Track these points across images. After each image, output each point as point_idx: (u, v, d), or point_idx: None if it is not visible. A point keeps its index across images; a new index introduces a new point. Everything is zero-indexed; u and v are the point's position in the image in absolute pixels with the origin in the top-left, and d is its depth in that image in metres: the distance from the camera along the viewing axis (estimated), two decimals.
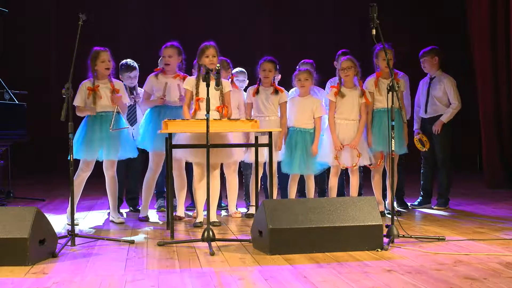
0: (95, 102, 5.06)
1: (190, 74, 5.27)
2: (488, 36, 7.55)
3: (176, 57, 5.34)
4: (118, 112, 5.09)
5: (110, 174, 5.20)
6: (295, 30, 10.42)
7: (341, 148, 5.35)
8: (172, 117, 5.10)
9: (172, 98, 5.29)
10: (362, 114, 5.43)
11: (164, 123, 4.59)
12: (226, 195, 5.72)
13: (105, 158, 5.11)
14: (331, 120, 5.42)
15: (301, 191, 5.77)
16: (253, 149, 5.20)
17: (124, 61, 5.89)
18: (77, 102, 5.08)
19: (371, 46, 5.35)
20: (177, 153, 5.04)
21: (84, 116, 5.13)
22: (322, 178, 5.97)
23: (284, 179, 5.84)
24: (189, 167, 5.51)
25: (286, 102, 5.46)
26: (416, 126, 6.02)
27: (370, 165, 5.53)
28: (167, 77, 5.34)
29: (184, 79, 5.27)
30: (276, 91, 5.44)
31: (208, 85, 4.17)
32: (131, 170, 5.95)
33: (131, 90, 5.86)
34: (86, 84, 5.11)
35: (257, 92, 5.45)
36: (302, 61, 6.02)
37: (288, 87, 5.86)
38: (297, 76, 5.45)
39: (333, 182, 5.51)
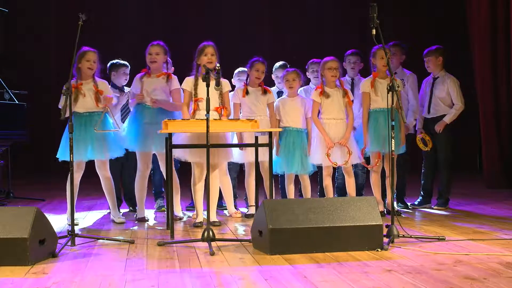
0: (77, 99, 5.02)
1: (184, 75, 5.26)
2: (488, 36, 7.56)
3: (162, 55, 5.34)
4: (106, 113, 5.08)
5: (103, 174, 5.19)
6: (295, 30, 10.42)
7: (332, 146, 5.35)
8: (154, 118, 5.13)
9: (155, 98, 5.26)
10: (349, 113, 5.44)
11: (164, 123, 4.59)
12: None
13: (93, 158, 5.09)
14: (317, 120, 5.42)
15: (301, 191, 5.76)
16: (247, 149, 5.22)
17: (114, 61, 5.91)
18: (62, 104, 5.04)
19: (371, 46, 5.35)
20: (176, 153, 5.04)
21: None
22: (322, 178, 5.96)
23: (284, 179, 5.85)
24: (187, 167, 5.50)
25: (273, 102, 5.49)
26: (418, 126, 6.02)
27: (368, 165, 5.54)
28: (151, 78, 5.32)
29: (168, 77, 5.30)
30: (264, 92, 5.46)
31: (208, 85, 4.17)
32: (127, 170, 5.95)
33: (120, 89, 5.87)
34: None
35: (246, 92, 5.45)
36: (311, 60, 6.03)
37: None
38: (285, 77, 5.47)
39: (327, 182, 5.51)
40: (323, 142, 5.40)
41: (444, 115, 5.88)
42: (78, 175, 5.10)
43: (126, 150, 5.37)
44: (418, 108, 5.93)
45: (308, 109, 5.48)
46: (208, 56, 5.00)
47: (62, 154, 5.02)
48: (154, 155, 5.44)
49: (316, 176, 5.92)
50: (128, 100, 5.80)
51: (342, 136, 5.38)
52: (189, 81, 5.10)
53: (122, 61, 5.94)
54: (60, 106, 5.03)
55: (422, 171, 6.10)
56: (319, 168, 5.62)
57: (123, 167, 5.92)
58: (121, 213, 5.61)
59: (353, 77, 6.05)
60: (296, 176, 5.59)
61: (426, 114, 5.99)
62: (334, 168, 5.57)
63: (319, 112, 5.46)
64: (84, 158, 5.05)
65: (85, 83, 5.09)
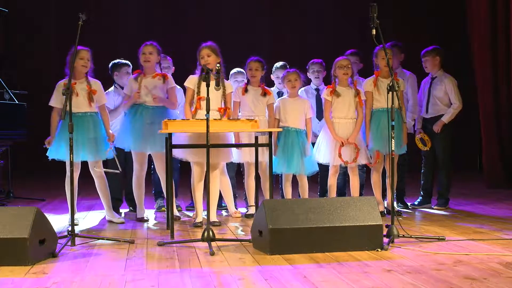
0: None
1: (183, 74, 5.27)
2: (488, 36, 7.56)
3: (155, 55, 5.33)
4: (111, 150, 5.14)
5: (96, 174, 5.18)
6: (295, 30, 10.42)
7: (343, 144, 5.35)
8: (150, 118, 5.15)
9: (149, 98, 5.26)
10: (359, 113, 5.45)
11: (164, 123, 4.59)
12: None
13: (83, 159, 5.06)
14: (328, 119, 5.43)
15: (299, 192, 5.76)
16: (244, 149, 5.22)
17: (116, 60, 5.90)
18: (53, 102, 5.05)
19: (371, 46, 5.35)
20: (176, 152, 5.05)
21: (59, 121, 5.02)
22: (324, 178, 5.96)
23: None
24: (187, 167, 5.50)
25: (273, 103, 5.49)
26: (417, 126, 6.03)
27: (370, 163, 5.55)
28: (147, 78, 5.31)
29: (163, 77, 5.30)
30: (264, 93, 5.46)
31: (208, 85, 4.18)
32: (129, 171, 5.94)
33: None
34: (62, 83, 5.06)
35: (246, 90, 5.45)
36: (312, 61, 6.03)
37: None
38: (287, 77, 5.48)
39: (332, 181, 5.52)
40: (332, 141, 5.40)
41: (442, 115, 5.88)
42: (75, 175, 5.07)
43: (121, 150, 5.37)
44: (417, 108, 5.94)
45: (308, 110, 5.48)
46: (205, 58, 5.01)
47: (53, 153, 5.01)
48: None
49: (316, 176, 5.91)
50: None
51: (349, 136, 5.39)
52: (192, 79, 5.11)
53: (124, 61, 5.92)
54: (51, 104, 5.03)
55: (422, 171, 6.10)
56: (321, 167, 5.62)
57: (126, 168, 5.89)
58: (122, 214, 5.62)
59: (317, 86, 6.02)
60: (294, 177, 5.59)
61: (424, 114, 6.00)
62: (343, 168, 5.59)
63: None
64: (78, 158, 5.02)
65: (79, 83, 5.06)
